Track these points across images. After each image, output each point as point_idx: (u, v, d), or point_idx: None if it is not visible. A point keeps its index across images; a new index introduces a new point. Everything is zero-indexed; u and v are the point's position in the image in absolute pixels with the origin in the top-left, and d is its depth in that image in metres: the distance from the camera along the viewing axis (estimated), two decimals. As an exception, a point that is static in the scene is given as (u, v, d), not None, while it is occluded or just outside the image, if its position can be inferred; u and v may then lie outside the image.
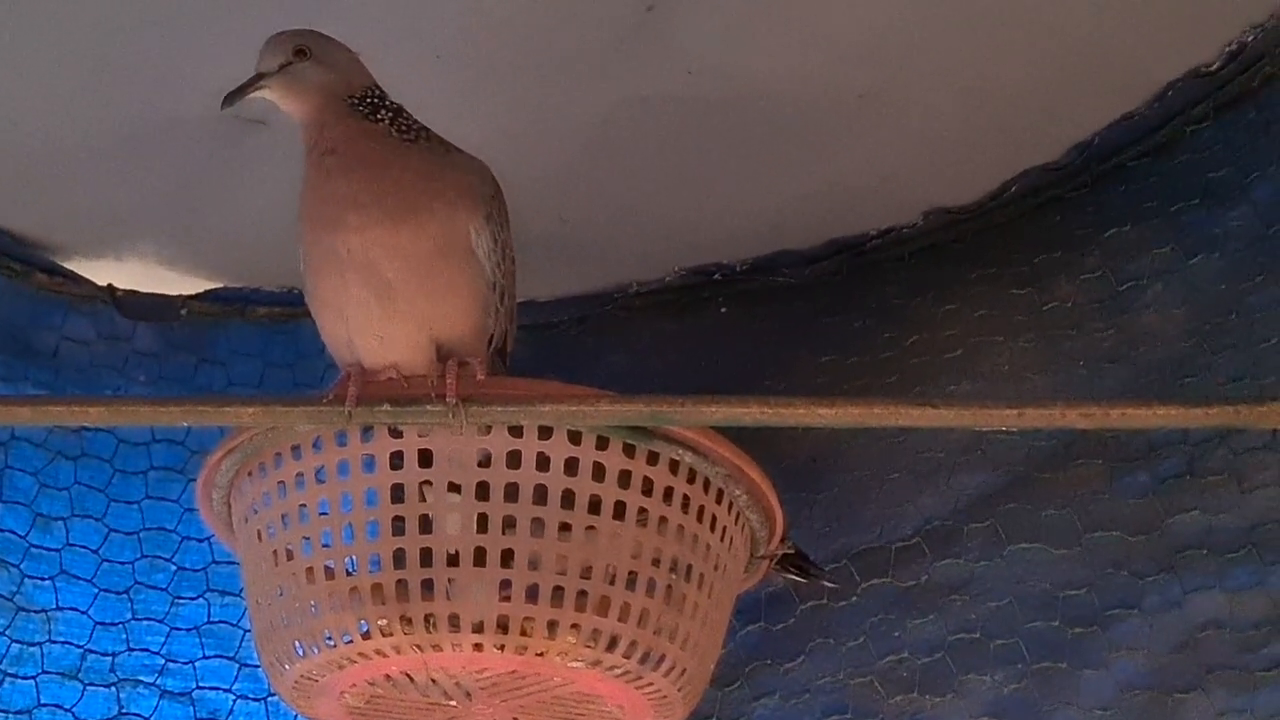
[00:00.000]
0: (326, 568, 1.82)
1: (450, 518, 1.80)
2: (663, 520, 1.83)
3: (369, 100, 1.84)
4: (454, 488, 1.80)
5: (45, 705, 2.27)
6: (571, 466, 1.79)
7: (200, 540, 2.34)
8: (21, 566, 2.29)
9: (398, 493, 1.80)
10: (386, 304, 1.80)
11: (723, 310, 2.46)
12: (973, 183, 2.32)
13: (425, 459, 1.80)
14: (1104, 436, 2.10)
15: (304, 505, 1.83)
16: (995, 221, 2.33)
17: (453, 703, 1.91)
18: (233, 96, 1.84)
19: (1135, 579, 2.05)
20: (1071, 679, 2.06)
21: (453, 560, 1.78)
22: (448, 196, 1.81)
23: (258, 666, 1.99)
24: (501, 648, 1.78)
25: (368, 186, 1.78)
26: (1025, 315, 2.24)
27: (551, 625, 1.79)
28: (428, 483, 1.80)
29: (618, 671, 1.83)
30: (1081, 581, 2.09)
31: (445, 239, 1.81)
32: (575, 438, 1.79)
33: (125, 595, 2.33)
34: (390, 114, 1.84)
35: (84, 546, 2.33)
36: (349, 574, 1.81)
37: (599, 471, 1.80)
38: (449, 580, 1.78)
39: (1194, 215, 2.16)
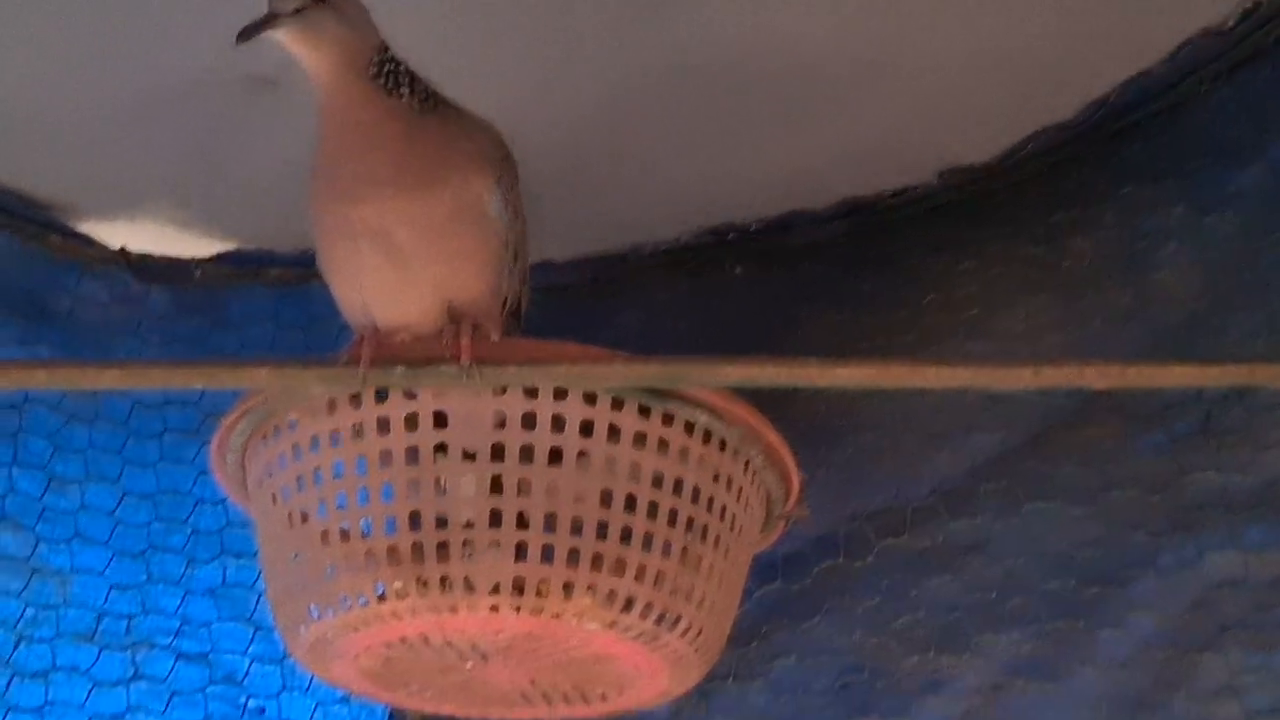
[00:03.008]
0: (342, 530, 1.82)
1: (465, 480, 1.80)
2: (679, 481, 1.83)
3: (386, 69, 1.81)
4: (469, 456, 1.79)
5: (61, 668, 2.28)
6: (587, 428, 1.79)
7: (215, 503, 2.34)
8: (37, 529, 2.29)
9: (412, 455, 1.80)
10: (401, 269, 1.79)
11: (737, 271, 2.45)
12: (987, 142, 2.31)
13: (440, 421, 1.79)
14: (1120, 395, 2.09)
15: (319, 468, 1.83)
16: (1010, 180, 2.31)
17: (469, 665, 1.91)
18: (248, 32, 1.76)
19: (1151, 538, 2.05)
20: (1088, 638, 2.06)
21: (468, 523, 1.78)
22: (461, 163, 1.81)
23: (274, 629, 1.99)
24: (517, 610, 1.78)
25: (388, 163, 1.77)
26: (1040, 274, 2.24)
27: (567, 587, 1.79)
28: (443, 445, 1.80)
29: (634, 633, 1.83)
30: (1097, 541, 2.09)
31: (459, 205, 1.80)
32: (590, 399, 1.79)
33: (141, 557, 2.34)
34: (409, 85, 1.81)
35: (99, 509, 2.33)
36: (364, 537, 1.81)
37: (614, 433, 1.80)
38: (464, 543, 1.78)
39: (1209, 173, 2.15)
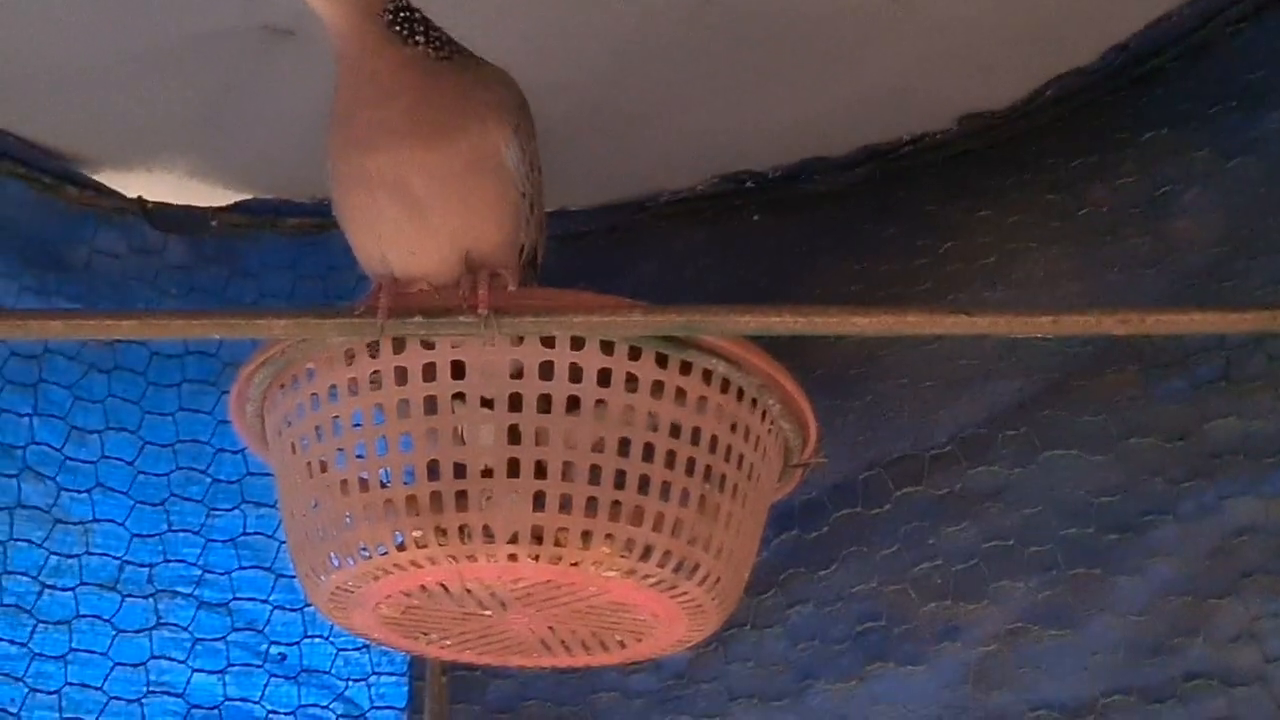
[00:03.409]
0: (361, 480, 1.82)
1: (483, 429, 1.80)
2: (696, 430, 1.82)
3: (401, 16, 1.79)
4: (486, 403, 1.79)
5: (84, 616, 2.29)
6: (604, 377, 1.79)
7: (234, 452, 2.35)
8: (58, 479, 2.30)
9: (431, 405, 1.80)
10: (419, 220, 1.79)
11: (755, 218, 2.45)
12: (1007, 87, 2.29)
13: (458, 371, 1.79)
14: (1140, 342, 2.09)
15: (337, 417, 1.83)
16: (1030, 126, 2.30)
17: (488, 613, 1.92)
18: None
19: (1171, 485, 2.05)
20: (1106, 585, 2.06)
21: (486, 472, 1.78)
22: (479, 113, 1.80)
23: (294, 578, 2.00)
24: (536, 558, 1.78)
25: (404, 113, 1.76)
26: (1060, 221, 2.22)
27: (585, 535, 1.79)
28: (460, 394, 1.80)
29: (652, 581, 1.83)
30: (1116, 488, 2.08)
31: (477, 155, 1.79)
32: (608, 348, 1.78)
33: (161, 507, 2.35)
34: (424, 34, 1.80)
35: (119, 459, 2.34)
36: (383, 486, 1.82)
37: (632, 382, 1.80)
38: (483, 492, 1.78)
39: (1232, 118, 2.13)
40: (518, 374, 1.79)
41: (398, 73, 1.78)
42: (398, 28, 1.79)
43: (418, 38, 1.79)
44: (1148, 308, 1.70)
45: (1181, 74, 2.19)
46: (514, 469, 1.78)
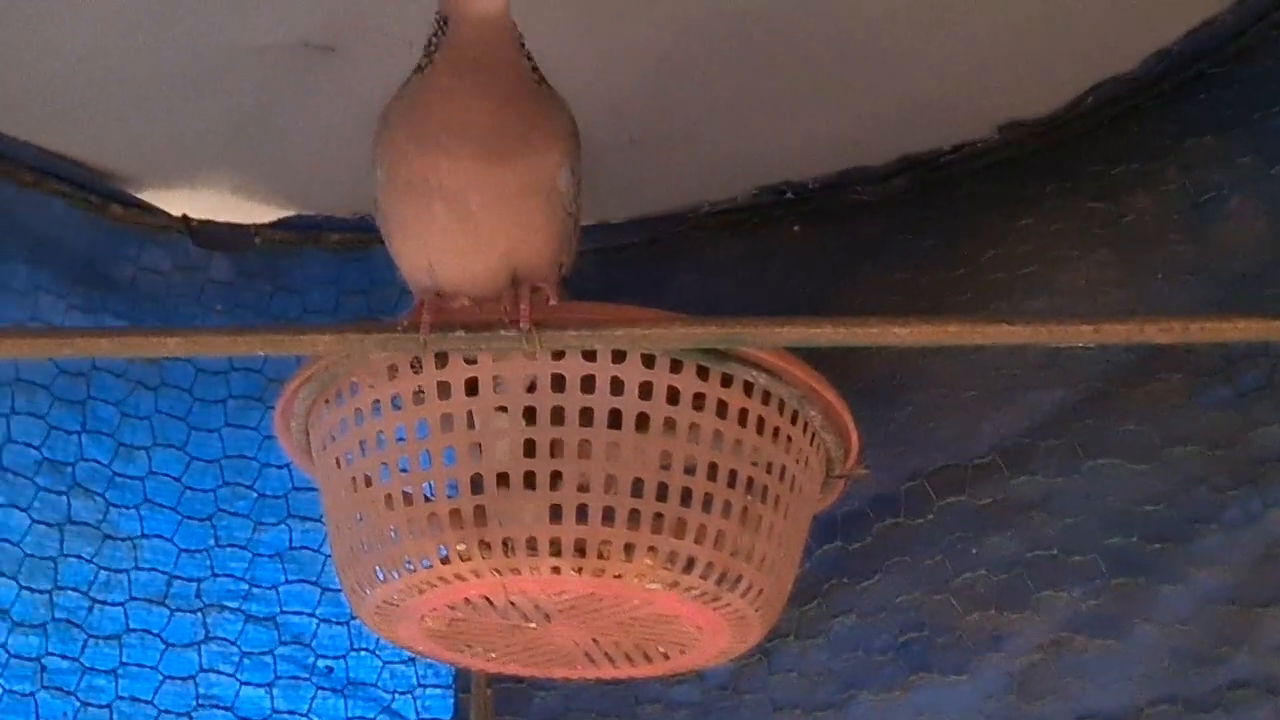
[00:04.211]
0: (405, 494, 1.83)
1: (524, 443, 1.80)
2: (738, 442, 1.83)
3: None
4: (529, 411, 1.80)
5: (134, 630, 2.31)
6: (645, 390, 1.79)
7: (280, 467, 2.37)
8: (106, 495, 2.32)
9: (473, 419, 1.81)
10: (471, 235, 1.78)
11: (795, 229, 2.45)
12: (1048, 95, 2.28)
13: (499, 385, 1.80)
14: (1183, 350, 2.08)
15: (381, 432, 1.84)
16: (1072, 134, 2.29)
17: (532, 625, 1.92)
18: None
19: (1215, 493, 2.04)
20: (1150, 594, 2.05)
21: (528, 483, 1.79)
22: (544, 137, 1.79)
23: (340, 591, 2.01)
24: (579, 571, 1.79)
25: (489, 120, 1.75)
26: (1102, 229, 2.21)
27: (628, 548, 1.79)
28: (503, 408, 1.81)
29: (695, 592, 1.84)
30: (1160, 496, 2.08)
31: (536, 178, 1.78)
32: (649, 361, 1.79)
33: (208, 522, 2.37)
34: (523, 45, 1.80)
35: (167, 475, 2.36)
36: (427, 500, 1.83)
37: (673, 395, 1.80)
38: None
39: (1276, 123, 2.12)
40: (560, 388, 1.79)
41: (504, 73, 1.76)
42: (517, 33, 1.79)
43: (525, 48, 1.79)
44: (1191, 315, 1.69)
45: (1224, 80, 2.18)
46: (556, 482, 1.78)
